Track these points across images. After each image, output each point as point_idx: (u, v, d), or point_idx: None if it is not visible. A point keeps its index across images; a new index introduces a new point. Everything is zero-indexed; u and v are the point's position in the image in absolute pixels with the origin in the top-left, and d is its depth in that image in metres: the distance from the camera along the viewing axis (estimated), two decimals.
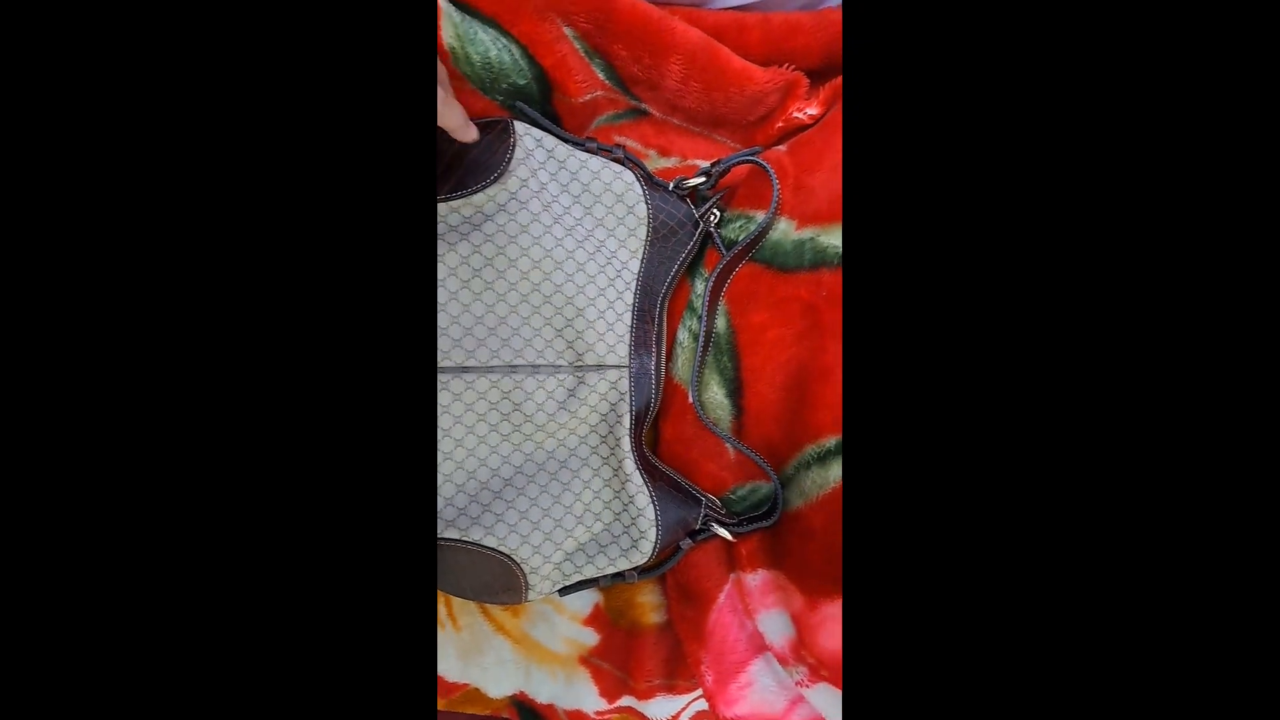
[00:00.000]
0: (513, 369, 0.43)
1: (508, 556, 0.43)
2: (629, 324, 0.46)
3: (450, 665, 0.49)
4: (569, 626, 0.50)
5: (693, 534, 0.48)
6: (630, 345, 0.46)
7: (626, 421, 0.46)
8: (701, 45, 0.47)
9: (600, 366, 0.45)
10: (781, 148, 0.49)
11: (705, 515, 0.48)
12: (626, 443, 0.46)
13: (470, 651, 0.49)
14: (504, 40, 0.46)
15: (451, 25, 0.44)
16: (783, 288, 0.48)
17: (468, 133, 0.43)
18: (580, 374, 0.45)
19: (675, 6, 0.49)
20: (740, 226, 0.49)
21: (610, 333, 0.46)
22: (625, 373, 0.46)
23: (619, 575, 0.47)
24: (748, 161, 0.49)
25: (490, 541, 0.43)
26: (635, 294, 0.47)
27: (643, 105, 0.50)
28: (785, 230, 0.48)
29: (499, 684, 0.50)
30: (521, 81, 0.47)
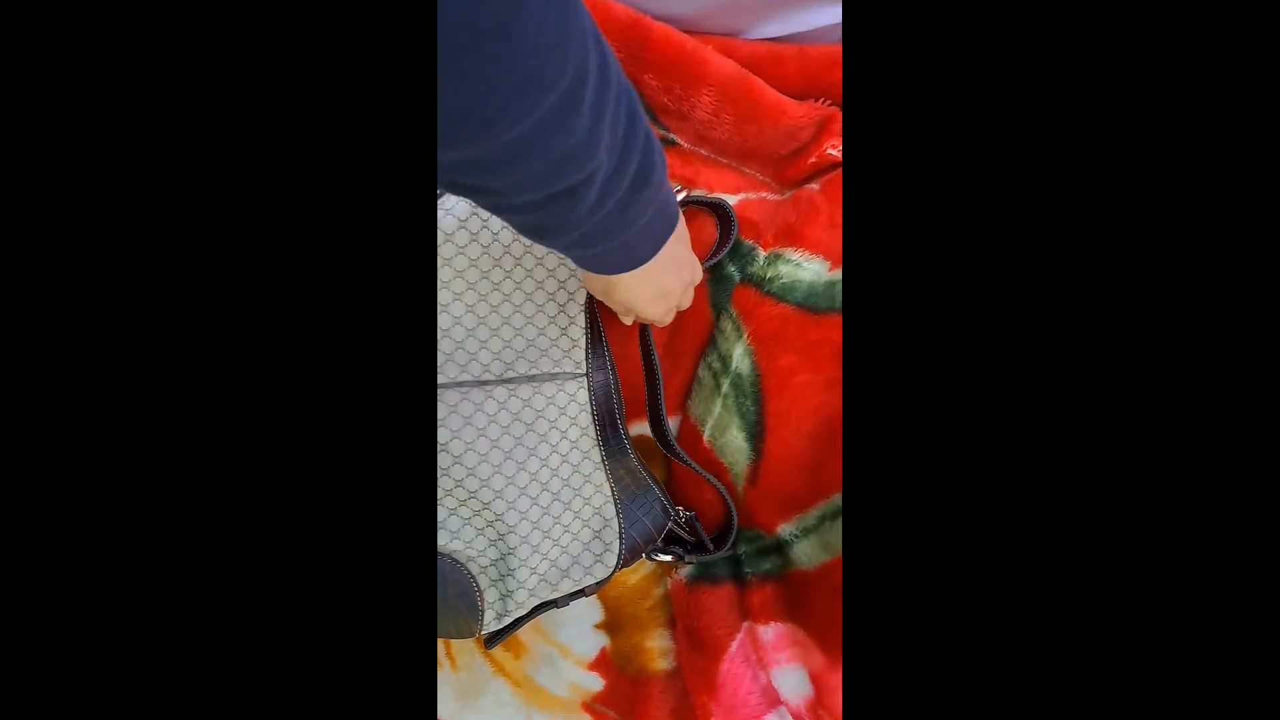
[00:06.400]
0: (479, 384, 0.43)
1: (462, 564, 0.42)
2: (583, 330, 0.45)
3: (447, 708, 0.47)
4: (573, 671, 0.48)
5: (649, 553, 0.47)
6: (586, 354, 0.45)
7: (592, 431, 0.45)
8: (735, 77, 0.45)
9: (555, 376, 0.44)
10: (814, 185, 0.48)
11: (669, 532, 0.47)
12: (596, 453, 0.45)
13: (468, 693, 0.47)
14: None
15: None
16: (814, 330, 0.46)
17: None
18: (535, 385, 0.44)
19: (710, 35, 0.47)
20: (767, 263, 0.47)
21: (564, 337, 0.45)
22: (583, 382, 0.45)
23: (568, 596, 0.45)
24: (709, 204, 0.49)
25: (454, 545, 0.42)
26: (588, 303, 0.45)
27: (671, 135, 0.49)
28: (818, 271, 0.46)
29: None
30: None
